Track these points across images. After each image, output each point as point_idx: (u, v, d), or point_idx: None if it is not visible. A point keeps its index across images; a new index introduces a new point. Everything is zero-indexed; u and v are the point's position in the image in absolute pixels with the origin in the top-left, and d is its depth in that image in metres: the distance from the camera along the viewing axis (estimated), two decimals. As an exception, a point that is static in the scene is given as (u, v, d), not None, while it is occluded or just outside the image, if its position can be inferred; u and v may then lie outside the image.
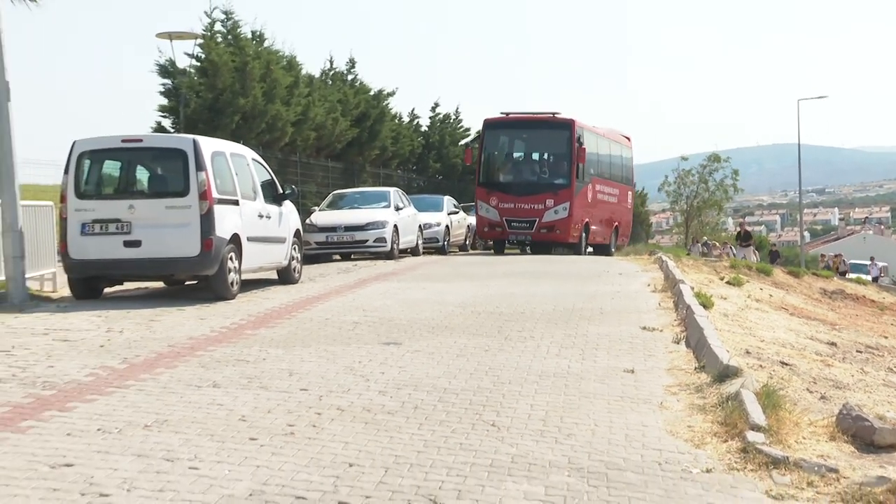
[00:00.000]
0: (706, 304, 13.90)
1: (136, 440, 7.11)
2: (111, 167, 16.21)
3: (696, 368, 10.03)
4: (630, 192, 42.84)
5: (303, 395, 8.65)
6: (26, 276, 15.33)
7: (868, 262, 66.46)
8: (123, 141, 16.09)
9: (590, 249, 35.12)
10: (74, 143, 15.74)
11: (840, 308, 22.60)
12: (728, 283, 19.81)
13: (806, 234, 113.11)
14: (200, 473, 6.33)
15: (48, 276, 16.89)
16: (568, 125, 31.45)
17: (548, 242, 32.28)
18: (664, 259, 23.71)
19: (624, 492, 6.16)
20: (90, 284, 16.03)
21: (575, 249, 31.95)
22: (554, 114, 32.12)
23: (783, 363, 10.71)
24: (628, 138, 42.35)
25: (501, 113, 33.54)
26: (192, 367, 9.92)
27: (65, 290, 16.50)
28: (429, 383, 9.17)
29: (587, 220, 33.25)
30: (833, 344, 13.63)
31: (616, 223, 38.52)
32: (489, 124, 33.40)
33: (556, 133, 31.92)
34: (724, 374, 9.14)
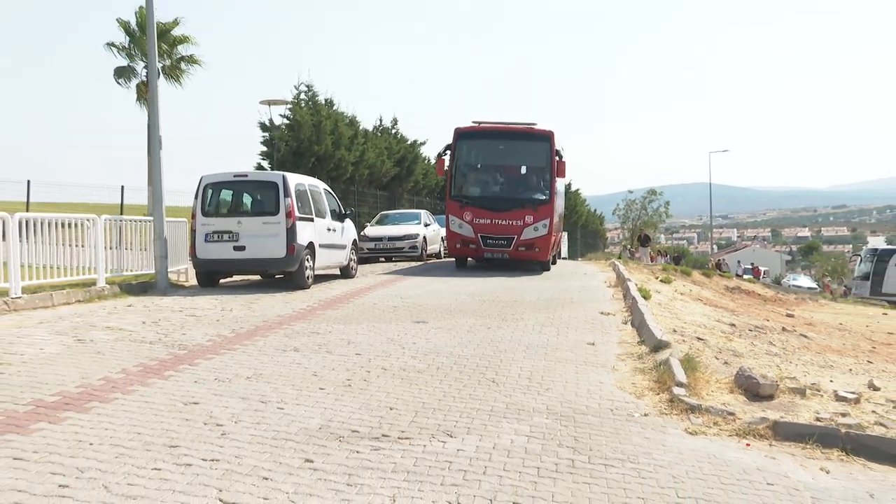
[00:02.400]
0: (646, 296, 13.83)
1: (240, 387, 7.14)
2: (226, 194, 16.29)
3: (638, 342, 10.02)
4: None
5: (357, 358, 8.64)
6: (168, 270, 15.39)
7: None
8: (235, 176, 16.17)
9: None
10: (202, 177, 15.87)
11: (737, 299, 22.47)
12: (661, 281, 19.71)
13: (714, 246, 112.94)
14: (285, 412, 6.36)
15: (182, 270, 16.95)
16: (547, 137, 21.31)
17: (525, 261, 21.85)
18: (616, 263, 23.68)
19: (586, 430, 6.18)
20: (210, 277, 16.13)
21: (544, 266, 22.08)
22: (531, 124, 21.89)
23: (699, 338, 10.65)
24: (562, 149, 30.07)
25: (473, 122, 22.39)
26: (280, 336, 9.92)
27: (193, 281, 16.57)
28: (447, 351, 9.14)
29: (555, 235, 23.26)
30: (733, 325, 13.55)
31: (560, 234, 28.53)
32: (461, 134, 21.99)
33: (536, 145, 21.61)
34: (658, 346, 9.12)
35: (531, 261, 21.49)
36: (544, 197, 21.08)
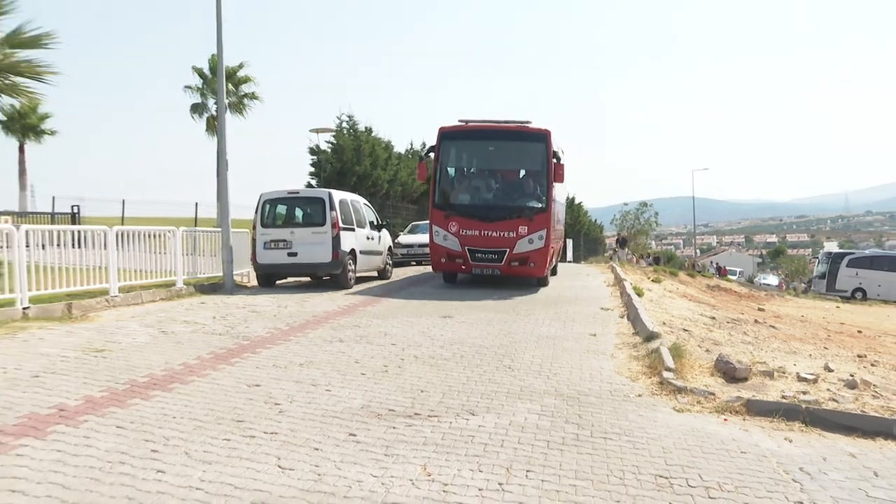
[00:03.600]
0: (639, 293, 13.80)
1: (294, 372, 7.20)
2: (281, 208, 16.39)
3: (633, 333, 10.00)
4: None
5: (392, 347, 8.68)
6: (233, 273, 15.50)
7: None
8: (288, 193, 16.29)
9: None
10: (261, 194, 16.00)
11: (717, 296, 22.37)
12: (653, 281, 19.65)
13: (698, 251, 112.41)
14: (332, 394, 6.40)
15: (245, 273, 17.06)
16: (543, 136, 15.97)
17: (519, 277, 16.88)
18: (614, 266, 23.61)
19: (588, 409, 6.18)
20: (268, 279, 16.23)
21: (541, 282, 16.86)
22: (524, 122, 16.38)
23: (684, 330, 10.61)
24: (563, 151, 20.33)
25: (460, 120, 16.88)
26: (327, 329, 9.97)
27: (254, 282, 16.71)
28: (469, 341, 9.15)
29: (553, 247, 17.32)
30: (713, 318, 13.48)
31: (560, 243, 21.62)
32: (446, 133, 16.58)
33: (530, 146, 16.35)
34: (650, 336, 9.11)
35: (526, 277, 16.58)
36: (540, 205, 15.89)
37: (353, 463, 4.74)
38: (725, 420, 6.08)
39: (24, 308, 9.98)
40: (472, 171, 17.26)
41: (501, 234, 15.68)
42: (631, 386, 7.04)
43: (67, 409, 5.59)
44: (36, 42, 12.74)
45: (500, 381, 7.02)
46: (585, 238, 67.29)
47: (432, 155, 16.54)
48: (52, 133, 37.71)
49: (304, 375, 7.07)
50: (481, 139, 16.87)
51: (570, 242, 41.11)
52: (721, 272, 59.10)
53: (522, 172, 17.16)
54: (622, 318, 11.64)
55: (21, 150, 36.40)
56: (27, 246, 10.40)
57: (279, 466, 4.63)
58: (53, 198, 28.90)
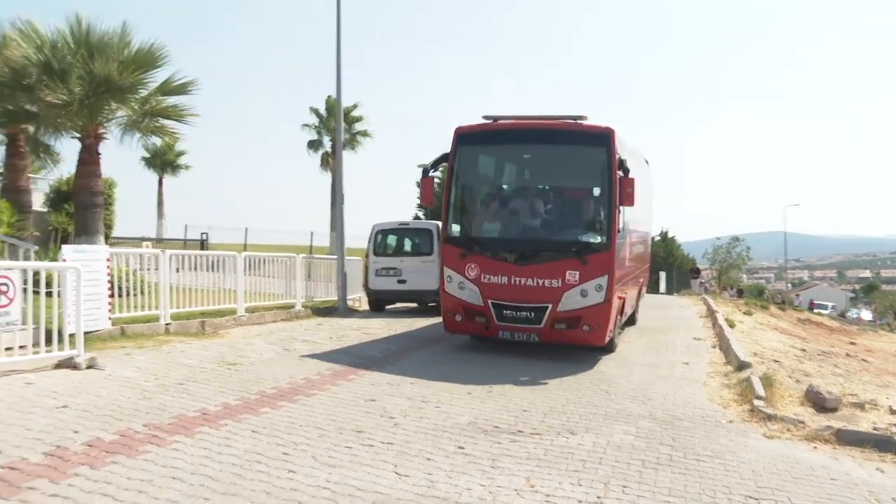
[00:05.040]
0: (731, 324, 13.53)
1: (405, 390, 7.41)
2: (392, 238, 16.71)
3: (724, 363, 9.85)
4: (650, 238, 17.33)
5: (497, 370, 8.81)
6: (347, 297, 15.93)
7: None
8: (399, 224, 16.74)
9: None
10: (374, 225, 16.45)
11: (807, 329, 21.48)
12: (744, 313, 19.11)
13: (789, 285, 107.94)
14: (441, 410, 6.59)
15: (356, 298, 17.45)
16: (605, 137, 9.34)
17: (567, 344, 9.89)
18: (706, 298, 23.07)
19: (682, 432, 6.17)
20: (379, 304, 16.50)
21: (604, 350, 10.14)
22: (578, 118, 9.73)
23: (775, 360, 10.35)
24: (647, 161, 14.35)
25: (484, 117, 10.29)
26: (436, 350, 10.19)
27: (365, 307, 17.04)
28: (568, 367, 9.19)
29: (623, 298, 10.87)
30: (803, 350, 13.04)
31: (642, 281, 15.16)
32: (465, 136, 10.30)
33: (585, 152, 9.69)
34: (741, 366, 8.98)
35: (578, 345, 9.99)
36: (599, 239, 9.61)
37: (462, 473, 4.90)
38: (815, 448, 5.97)
39: (166, 324, 10.62)
40: (500, 189, 11.33)
41: (541, 282, 9.68)
42: (722, 412, 6.97)
43: (209, 413, 5.98)
44: (182, 89, 13.65)
45: (597, 404, 7.07)
46: (678, 271, 65.73)
47: (445, 166, 10.88)
48: (187, 168, 40.01)
49: (415, 392, 7.28)
50: (513, 142, 10.70)
51: (663, 275, 40.13)
52: (811, 306, 56.61)
53: (572, 191, 10.72)
54: (714, 347, 11.43)
55: (160, 183, 38.72)
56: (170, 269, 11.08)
57: (396, 473, 4.83)
58: (186, 226, 30.65)
